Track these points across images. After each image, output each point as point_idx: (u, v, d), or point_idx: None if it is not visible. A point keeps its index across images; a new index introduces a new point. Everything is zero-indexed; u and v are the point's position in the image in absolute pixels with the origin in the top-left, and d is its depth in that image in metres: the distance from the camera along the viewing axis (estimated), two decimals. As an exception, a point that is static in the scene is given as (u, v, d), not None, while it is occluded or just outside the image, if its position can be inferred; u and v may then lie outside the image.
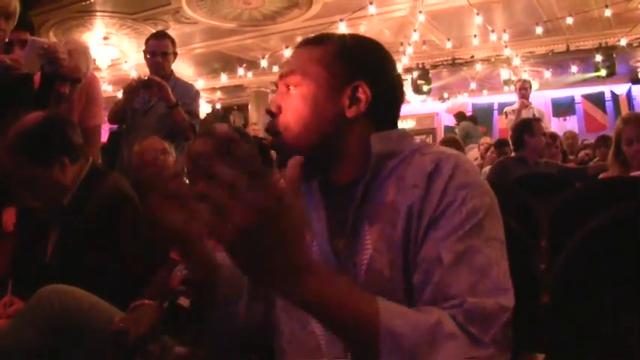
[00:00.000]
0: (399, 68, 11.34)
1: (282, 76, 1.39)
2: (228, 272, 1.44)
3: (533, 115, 7.45)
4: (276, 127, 1.36)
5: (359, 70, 1.35)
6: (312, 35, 1.44)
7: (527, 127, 5.35)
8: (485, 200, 1.21)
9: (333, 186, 1.38)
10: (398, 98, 1.45)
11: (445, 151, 1.29)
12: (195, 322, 1.62)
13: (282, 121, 1.35)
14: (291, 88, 1.36)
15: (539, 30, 10.08)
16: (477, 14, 9.20)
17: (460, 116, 12.04)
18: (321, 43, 1.39)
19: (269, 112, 1.38)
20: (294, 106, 1.34)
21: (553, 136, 6.64)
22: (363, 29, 10.63)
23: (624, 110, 13.51)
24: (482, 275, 1.12)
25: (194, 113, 4.51)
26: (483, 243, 1.16)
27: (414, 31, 10.21)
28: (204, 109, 14.59)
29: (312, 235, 1.38)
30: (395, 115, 1.45)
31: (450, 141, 6.21)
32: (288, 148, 1.36)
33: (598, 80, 12.30)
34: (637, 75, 14.14)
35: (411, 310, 1.11)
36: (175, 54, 4.62)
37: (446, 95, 15.79)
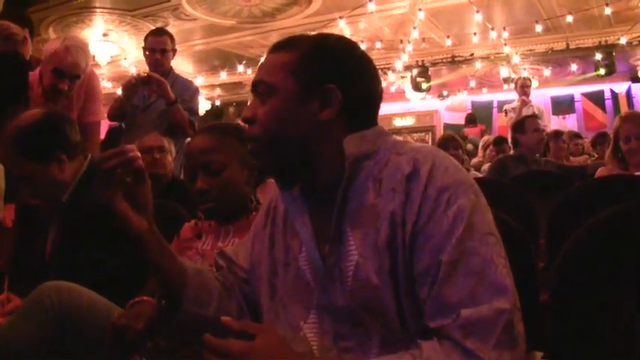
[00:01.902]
0: (399, 66, 11.37)
1: (253, 84, 1.39)
2: (195, 277, 1.45)
3: (533, 113, 7.45)
4: (253, 135, 1.36)
5: (327, 73, 1.33)
6: (281, 39, 1.42)
7: (518, 126, 5.44)
8: (469, 197, 1.20)
9: (315, 191, 1.38)
10: (374, 97, 1.42)
11: (421, 150, 1.29)
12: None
13: (256, 130, 1.35)
14: (262, 96, 1.35)
15: (539, 28, 10.08)
16: (477, 12, 9.19)
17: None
18: (287, 48, 1.37)
19: (245, 120, 1.38)
20: (266, 115, 1.33)
21: (557, 134, 6.63)
22: (363, 27, 10.64)
23: (624, 109, 13.51)
24: (480, 278, 1.12)
25: (193, 110, 4.52)
26: (478, 243, 1.15)
27: (414, 28, 10.20)
28: (203, 106, 14.58)
29: (300, 241, 1.39)
30: (372, 114, 1.42)
31: (447, 139, 6.19)
32: (264, 157, 1.37)
33: (598, 78, 12.29)
34: (637, 73, 14.12)
35: (398, 356, 1.13)
36: (174, 51, 4.63)
37: (445, 93, 15.79)
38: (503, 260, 1.17)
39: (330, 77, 1.32)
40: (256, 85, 1.37)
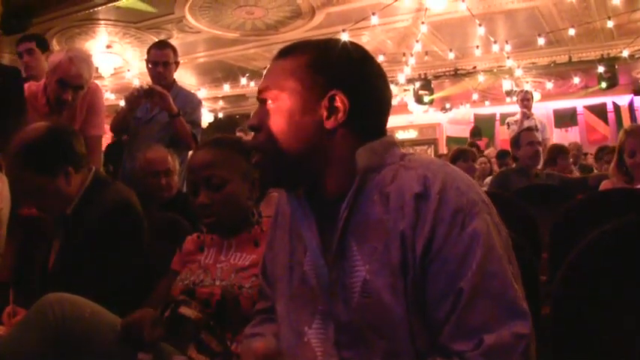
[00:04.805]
0: (402, 79, 11.39)
1: (259, 91, 1.36)
2: None
3: (535, 125, 7.46)
4: (259, 143, 1.34)
5: (334, 79, 1.30)
6: (286, 45, 1.40)
7: (514, 142, 5.48)
8: (484, 218, 1.18)
9: (322, 198, 1.34)
10: (383, 105, 1.38)
11: (430, 166, 1.25)
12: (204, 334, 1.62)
13: (262, 138, 1.33)
14: (268, 103, 1.33)
15: (541, 41, 10.08)
16: (480, 25, 9.21)
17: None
18: (293, 54, 1.35)
19: (250, 128, 1.36)
20: (272, 123, 1.31)
21: (563, 151, 6.66)
22: (366, 40, 10.65)
23: (626, 121, 13.55)
24: (500, 301, 1.12)
25: (196, 122, 4.51)
26: (497, 266, 1.15)
27: (417, 41, 10.23)
28: (206, 119, 14.61)
29: (305, 247, 1.36)
30: (381, 123, 1.38)
31: (460, 152, 6.22)
32: (269, 168, 1.35)
33: (600, 91, 12.33)
34: (639, 86, 14.14)
35: None
36: (177, 63, 4.62)
37: (448, 106, 15.82)
38: (517, 285, 1.16)
39: (337, 83, 1.29)
40: (262, 92, 1.35)
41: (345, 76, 1.32)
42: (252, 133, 1.38)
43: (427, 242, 1.16)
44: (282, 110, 1.30)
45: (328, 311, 1.28)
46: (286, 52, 1.37)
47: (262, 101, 1.35)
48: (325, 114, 1.29)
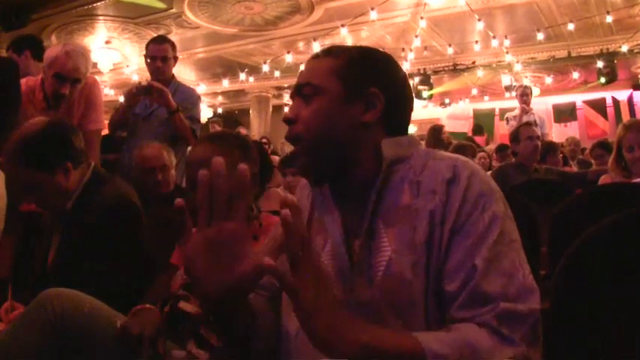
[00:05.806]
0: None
1: (297, 87, 1.44)
2: (260, 318, 1.41)
3: (534, 121, 7.45)
4: (295, 135, 1.41)
5: (371, 78, 1.41)
6: (323, 49, 1.50)
7: (513, 137, 5.47)
8: (500, 206, 1.28)
9: (345, 190, 1.42)
10: (408, 105, 1.50)
11: (458, 158, 1.36)
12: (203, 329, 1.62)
13: (298, 130, 1.40)
14: (307, 98, 1.41)
15: (540, 36, 10.11)
16: (479, 20, 9.22)
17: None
18: (332, 55, 1.44)
19: (286, 120, 1.42)
20: (311, 115, 1.39)
21: (552, 148, 6.66)
22: (365, 35, 10.66)
23: (625, 116, 13.54)
24: (510, 278, 1.19)
25: (195, 118, 4.49)
26: (507, 247, 1.23)
27: (416, 36, 10.24)
28: (205, 114, 14.60)
29: (326, 237, 1.43)
30: (406, 121, 1.50)
31: (460, 147, 6.23)
32: (307, 156, 1.40)
33: (599, 86, 12.32)
34: (638, 81, 14.17)
35: (440, 332, 1.16)
36: (176, 58, 4.60)
37: (447, 101, 15.81)
38: (527, 267, 1.24)
39: (374, 82, 1.40)
40: (301, 87, 1.42)
41: (379, 76, 1.43)
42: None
43: (456, 217, 1.26)
44: (322, 103, 1.39)
45: (343, 301, 1.32)
46: (324, 53, 1.47)
47: (300, 96, 1.43)
48: (363, 109, 1.40)
